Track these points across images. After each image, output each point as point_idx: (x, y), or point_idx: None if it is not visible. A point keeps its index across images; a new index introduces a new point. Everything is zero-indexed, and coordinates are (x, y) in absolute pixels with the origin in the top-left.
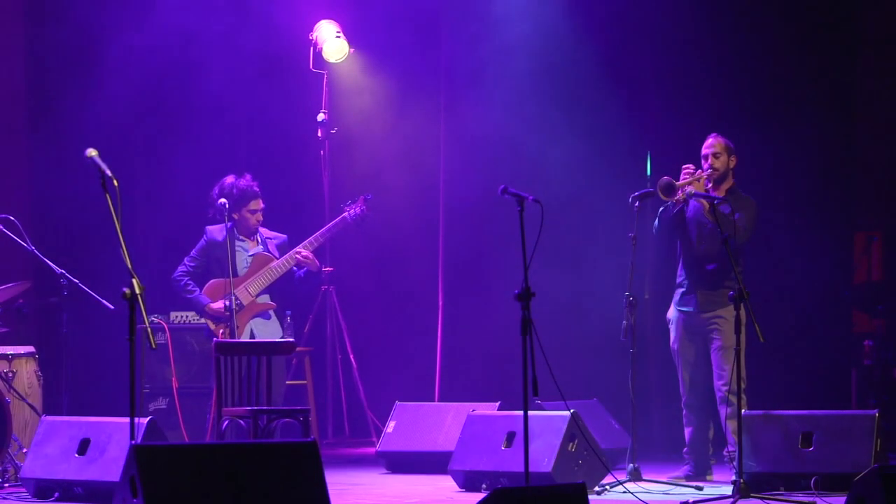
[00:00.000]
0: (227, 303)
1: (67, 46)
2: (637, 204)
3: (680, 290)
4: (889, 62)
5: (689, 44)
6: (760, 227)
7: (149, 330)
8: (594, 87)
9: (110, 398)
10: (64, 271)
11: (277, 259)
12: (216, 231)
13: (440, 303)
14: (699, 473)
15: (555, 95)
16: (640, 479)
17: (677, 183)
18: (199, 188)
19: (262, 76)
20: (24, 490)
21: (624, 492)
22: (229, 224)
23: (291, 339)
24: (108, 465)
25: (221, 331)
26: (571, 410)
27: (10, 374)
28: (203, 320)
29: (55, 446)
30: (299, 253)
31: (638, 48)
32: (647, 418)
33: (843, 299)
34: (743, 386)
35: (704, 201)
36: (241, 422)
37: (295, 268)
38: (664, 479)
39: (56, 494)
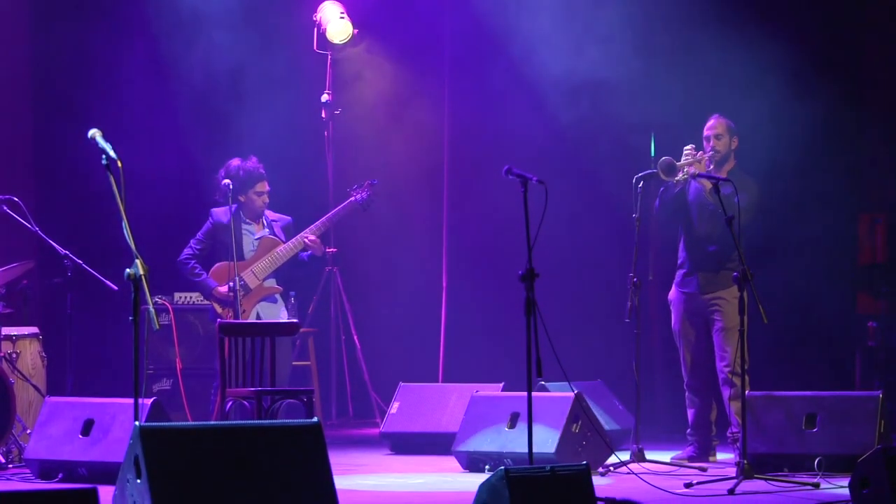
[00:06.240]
0: (233, 285)
1: (72, 27)
2: (641, 185)
3: (681, 272)
4: None
5: (694, 23)
6: (764, 209)
7: (152, 311)
8: (598, 68)
9: (114, 379)
10: (68, 252)
11: (284, 242)
12: (221, 214)
13: (444, 284)
14: (703, 454)
15: (559, 77)
16: (644, 460)
17: (678, 163)
18: (202, 170)
19: (266, 57)
20: (27, 471)
21: (628, 473)
22: (234, 207)
23: (295, 321)
24: (112, 446)
25: (229, 314)
26: (575, 391)
27: (14, 355)
28: (208, 302)
29: (59, 427)
30: (307, 237)
31: (642, 28)
32: (650, 399)
33: (847, 281)
34: (746, 367)
35: (707, 182)
36: (245, 403)
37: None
38: (668, 461)
39: (60, 475)
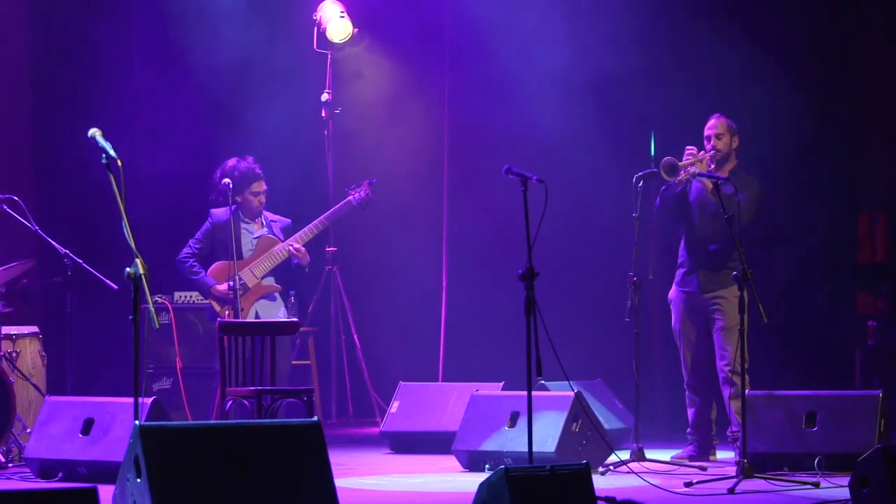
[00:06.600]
0: (232, 283)
1: (72, 22)
2: (641, 184)
3: (681, 271)
4: (894, 42)
5: (693, 23)
6: (764, 208)
7: (152, 310)
8: (599, 68)
9: (114, 378)
10: (68, 251)
11: (282, 241)
12: (221, 213)
13: (444, 283)
14: (703, 454)
15: (559, 77)
16: (644, 460)
17: (680, 163)
18: (203, 169)
19: (267, 55)
20: (27, 470)
21: (628, 472)
22: (233, 206)
23: (295, 319)
24: (112, 445)
25: (227, 313)
26: (575, 390)
27: (14, 355)
28: (207, 301)
29: (59, 426)
30: (292, 246)
31: (642, 28)
32: (651, 398)
33: (847, 280)
34: (746, 366)
35: (707, 181)
36: (245, 402)
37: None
38: (668, 460)
39: (60, 474)
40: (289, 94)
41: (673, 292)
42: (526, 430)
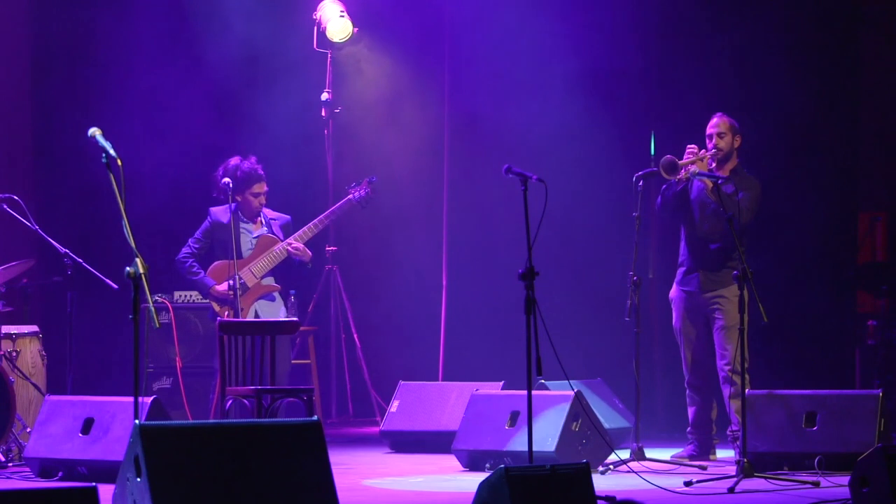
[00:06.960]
0: (232, 283)
1: (71, 23)
2: (641, 184)
3: (682, 270)
4: (894, 42)
5: (693, 22)
6: (764, 207)
7: (152, 309)
8: (598, 66)
9: (114, 377)
10: (68, 250)
11: (282, 241)
12: (220, 213)
13: (444, 282)
14: (703, 453)
15: (559, 76)
16: (644, 459)
17: (680, 162)
18: (201, 168)
19: (267, 54)
20: (27, 469)
21: (628, 471)
22: (233, 205)
23: (295, 319)
24: (112, 445)
25: (227, 313)
26: (575, 390)
27: (14, 354)
28: (208, 301)
29: (59, 426)
30: (291, 245)
31: (641, 27)
32: (651, 398)
33: (847, 280)
34: (746, 365)
35: (708, 180)
36: (245, 401)
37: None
38: (668, 459)
39: (60, 474)
40: (289, 92)
41: (674, 291)
42: (526, 429)
